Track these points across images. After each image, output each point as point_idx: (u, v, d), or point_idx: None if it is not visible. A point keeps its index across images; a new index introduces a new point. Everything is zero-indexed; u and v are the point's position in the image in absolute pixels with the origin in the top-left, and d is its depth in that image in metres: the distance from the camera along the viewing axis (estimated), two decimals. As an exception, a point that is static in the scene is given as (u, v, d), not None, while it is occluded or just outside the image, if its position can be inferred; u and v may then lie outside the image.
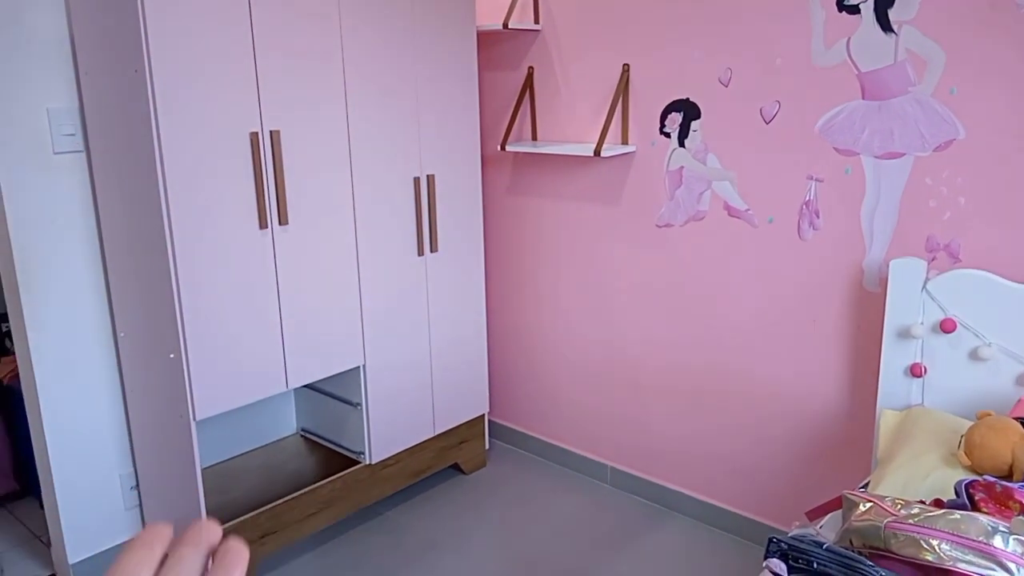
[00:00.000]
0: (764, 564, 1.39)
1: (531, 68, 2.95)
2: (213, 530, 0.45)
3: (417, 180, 2.71)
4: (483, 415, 3.18)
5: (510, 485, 3.13)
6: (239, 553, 0.44)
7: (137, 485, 2.63)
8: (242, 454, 2.93)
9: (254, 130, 2.23)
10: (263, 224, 2.30)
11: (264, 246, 2.32)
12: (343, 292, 2.56)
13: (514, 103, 3.00)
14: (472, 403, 3.10)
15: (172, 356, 2.24)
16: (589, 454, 3.16)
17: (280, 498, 2.55)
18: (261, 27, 2.21)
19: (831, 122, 2.26)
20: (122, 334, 2.47)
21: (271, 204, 2.31)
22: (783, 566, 1.35)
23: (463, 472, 3.19)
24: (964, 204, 2.07)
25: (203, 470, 2.42)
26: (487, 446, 3.26)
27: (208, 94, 2.13)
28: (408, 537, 2.79)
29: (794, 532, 1.61)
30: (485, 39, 3.02)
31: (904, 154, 2.14)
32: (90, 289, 2.44)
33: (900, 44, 2.09)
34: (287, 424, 3.07)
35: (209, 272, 2.22)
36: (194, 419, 2.26)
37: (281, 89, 2.28)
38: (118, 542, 2.62)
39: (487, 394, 3.16)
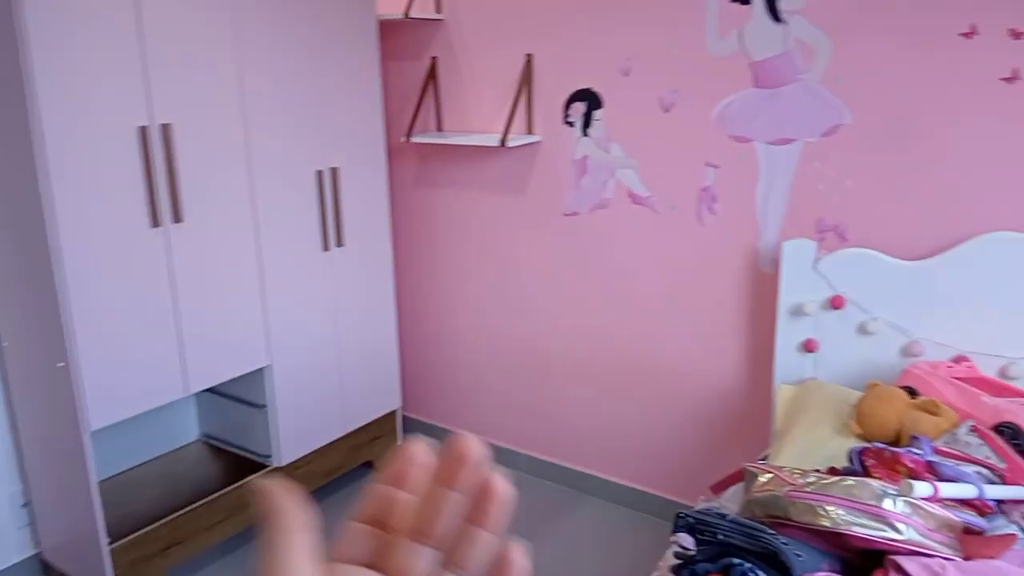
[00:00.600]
0: (672, 539, 1.43)
1: (434, 58, 2.93)
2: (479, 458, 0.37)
3: (320, 173, 2.65)
4: (396, 410, 3.15)
5: (425, 480, 3.10)
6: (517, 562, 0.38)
7: (28, 502, 2.48)
8: (142, 464, 2.80)
9: (143, 124, 2.13)
10: (156, 222, 2.20)
11: (157, 245, 2.22)
12: (245, 290, 2.48)
13: (418, 93, 2.97)
14: (384, 399, 3.06)
15: (61, 365, 2.12)
16: (503, 443, 3.17)
17: (184, 508, 2.45)
18: (150, 15, 2.10)
19: (726, 110, 2.33)
20: (6, 343, 2.32)
21: (163, 201, 2.21)
22: (690, 539, 1.39)
23: (376, 470, 3.14)
24: (851, 187, 2.17)
25: (100, 483, 2.30)
26: (400, 442, 3.22)
27: (92, 86, 2.01)
28: (322, 539, 2.73)
29: (700, 506, 1.66)
30: (387, 29, 2.98)
31: (794, 140, 2.23)
32: (-34, 296, 2.29)
33: (789, 33, 2.18)
34: (188, 430, 2.96)
35: (98, 274, 2.10)
36: (87, 430, 2.15)
37: (173, 81, 2.18)
38: (7, 564, 2.47)
39: (399, 389, 3.12)
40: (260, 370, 2.60)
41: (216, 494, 2.53)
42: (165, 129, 2.18)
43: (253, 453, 2.76)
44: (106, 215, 2.10)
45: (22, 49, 1.88)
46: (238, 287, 2.45)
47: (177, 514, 2.42)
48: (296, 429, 2.72)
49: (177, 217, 2.24)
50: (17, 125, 1.96)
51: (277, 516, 0.35)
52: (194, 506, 2.47)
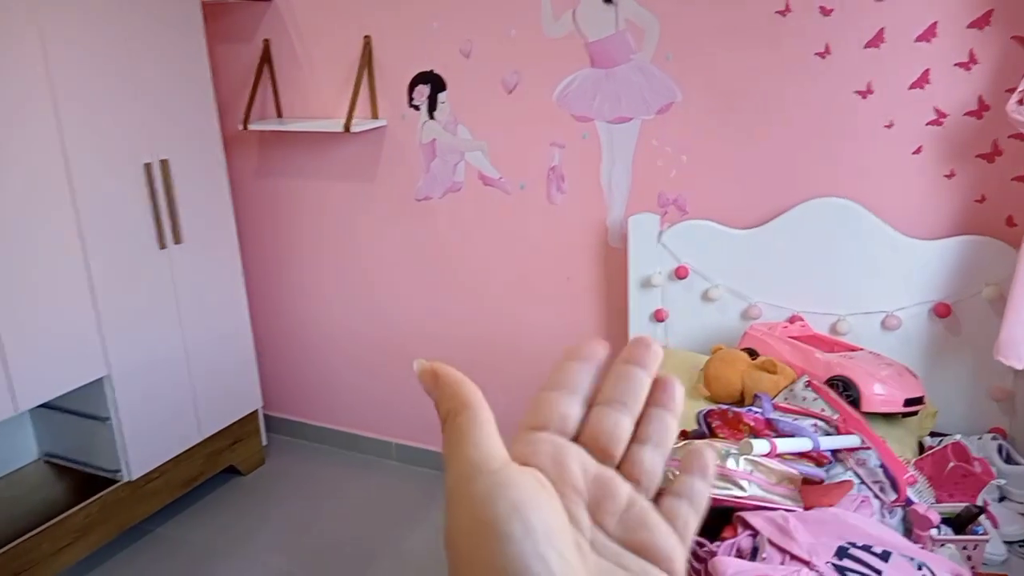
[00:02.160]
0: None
1: (267, 41, 2.80)
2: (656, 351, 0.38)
3: (149, 166, 2.48)
4: (256, 411, 3.03)
5: (293, 478, 3.02)
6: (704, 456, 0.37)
7: None
8: (-28, 492, 2.56)
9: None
10: (-38, 230, 1.99)
11: (-34, 255, 2.01)
12: (72, 294, 2.29)
13: (253, 78, 2.83)
14: (242, 400, 2.93)
15: None
16: (371, 433, 3.13)
17: (27, 533, 2.27)
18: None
19: (566, 90, 2.37)
20: None
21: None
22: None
23: (241, 473, 3.02)
24: (687, 161, 2.27)
25: (-78, 518, 2.09)
26: (264, 442, 3.12)
27: None
28: (184, 551, 2.60)
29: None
30: (211, 11, 2.80)
31: (632, 118, 2.30)
32: None
33: (620, 14, 2.23)
34: (26, 451, 2.72)
35: None
36: (-103, 464, 1.93)
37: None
38: None
39: (259, 388, 3.01)
40: (99, 380, 2.42)
41: (62, 515, 2.35)
42: (-35, 127, 1.97)
43: (100, 469, 2.58)
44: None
45: None
46: (63, 293, 2.27)
47: (19, 540, 2.23)
48: (146, 440, 2.56)
49: (-13, 223, 2.04)
50: None
51: (456, 394, 0.34)
52: (39, 530, 2.29)
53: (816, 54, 2.06)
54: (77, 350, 2.32)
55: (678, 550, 0.35)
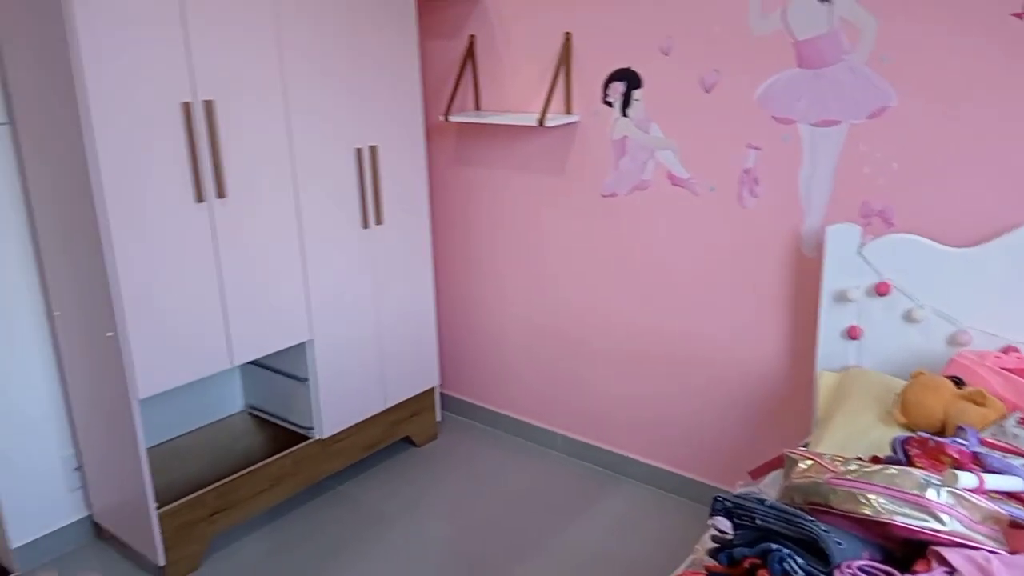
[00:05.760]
0: (710, 522, 1.43)
1: (472, 36, 2.92)
2: None
3: (360, 151, 2.67)
4: (433, 387, 3.18)
5: (462, 456, 3.14)
6: None
7: (80, 466, 2.57)
8: (188, 433, 2.87)
9: (186, 100, 2.16)
10: (200, 197, 2.24)
11: (202, 220, 2.26)
12: (287, 266, 2.52)
13: (456, 72, 2.97)
14: (422, 375, 3.10)
15: (110, 335, 2.18)
16: (539, 423, 3.19)
17: (229, 476, 2.52)
18: (193, -6, 2.13)
19: (768, 91, 2.29)
20: (57, 313, 2.39)
21: (207, 176, 2.25)
22: (728, 523, 1.40)
23: (415, 445, 3.19)
24: (897, 170, 2.13)
25: (148, 449, 2.37)
26: (438, 418, 3.27)
27: (137, 63, 2.05)
28: (360, 510, 2.79)
29: (738, 491, 1.67)
30: (425, 7, 2.97)
31: (839, 122, 2.19)
32: (21, 267, 2.35)
33: (834, 12, 2.13)
34: (234, 401, 3.02)
35: (145, 247, 2.15)
36: (136, 398, 2.21)
37: (215, 58, 2.21)
38: (61, 525, 2.56)
39: (437, 366, 3.16)
40: (302, 344, 2.65)
41: (260, 463, 2.59)
42: (208, 105, 2.21)
43: (296, 425, 2.82)
44: (152, 190, 2.14)
45: (68, 23, 1.91)
46: (280, 262, 2.49)
47: (223, 482, 2.49)
48: (337, 403, 2.77)
49: (221, 192, 2.28)
50: (65, 101, 2.00)
51: None
52: (239, 474, 2.53)
53: (1061, 60, 1.86)
54: (286, 315, 2.54)
55: None
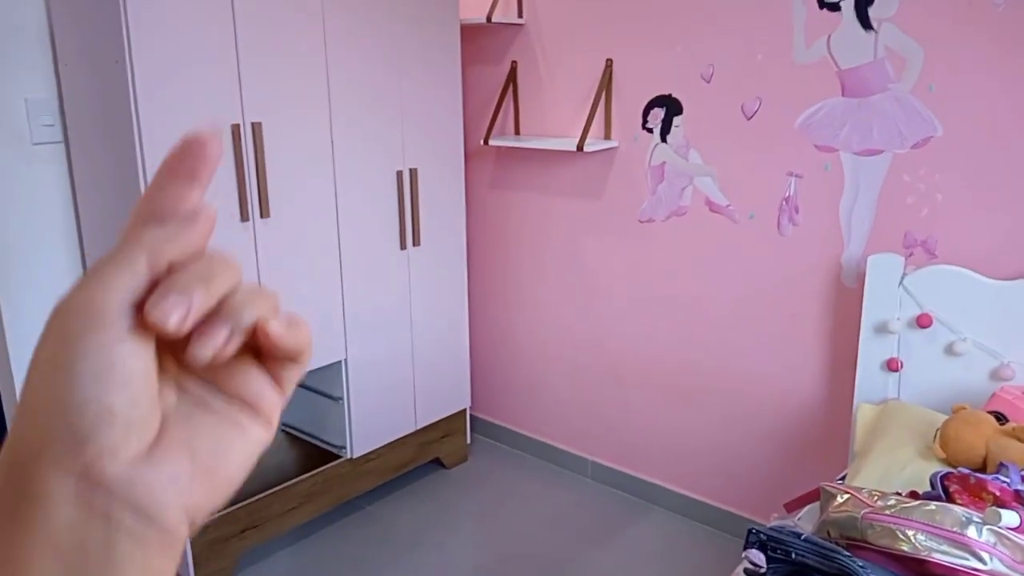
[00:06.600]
0: (744, 555, 1.41)
1: (514, 62, 2.95)
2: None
3: (400, 174, 2.71)
4: (465, 409, 3.19)
5: (492, 479, 3.13)
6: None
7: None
8: (223, 448, 2.90)
9: (235, 122, 2.22)
10: (244, 216, 2.29)
11: (246, 239, 2.31)
12: (325, 285, 2.55)
13: (497, 97, 3.00)
14: (454, 397, 3.10)
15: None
16: (570, 448, 3.17)
17: (261, 492, 2.54)
18: (243, 19, 2.19)
19: (811, 119, 2.28)
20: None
21: (252, 197, 2.30)
22: (762, 556, 1.37)
23: (444, 467, 3.19)
24: (941, 201, 2.10)
25: (183, 464, 2.41)
26: (468, 440, 3.27)
27: (189, 85, 2.11)
28: (390, 531, 2.79)
29: (773, 523, 1.63)
30: (468, 33, 3.02)
31: (882, 151, 2.17)
32: (69, 282, 2.42)
33: (879, 41, 2.12)
34: (268, 418, 3.05)
35: (190, 265, 2.20)
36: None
37: (263, 82, 2.27)
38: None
39: (469, 388, 3.16)
40: (337, 363, 2.67)
41: (292, 481, 2.61)
42: (255, 128, 2.26)
43: (328, 444, 2.84)
44: (199, 209, 2.19)
45: (126, 42, 1.98)
46: (319, 282, 2.53)
47: (254, 498, 2.51)
48: (369, 422, 2.78)
49: (264, 212, 2.32)
50: (118, 124, 2.07)
51: (162, 207, 0.31)
52: (270, 491, 2.55)
53: (1113, 91, 1.82)
54: (323, 334, 2.57)
55: (272, 397, 0.34)
